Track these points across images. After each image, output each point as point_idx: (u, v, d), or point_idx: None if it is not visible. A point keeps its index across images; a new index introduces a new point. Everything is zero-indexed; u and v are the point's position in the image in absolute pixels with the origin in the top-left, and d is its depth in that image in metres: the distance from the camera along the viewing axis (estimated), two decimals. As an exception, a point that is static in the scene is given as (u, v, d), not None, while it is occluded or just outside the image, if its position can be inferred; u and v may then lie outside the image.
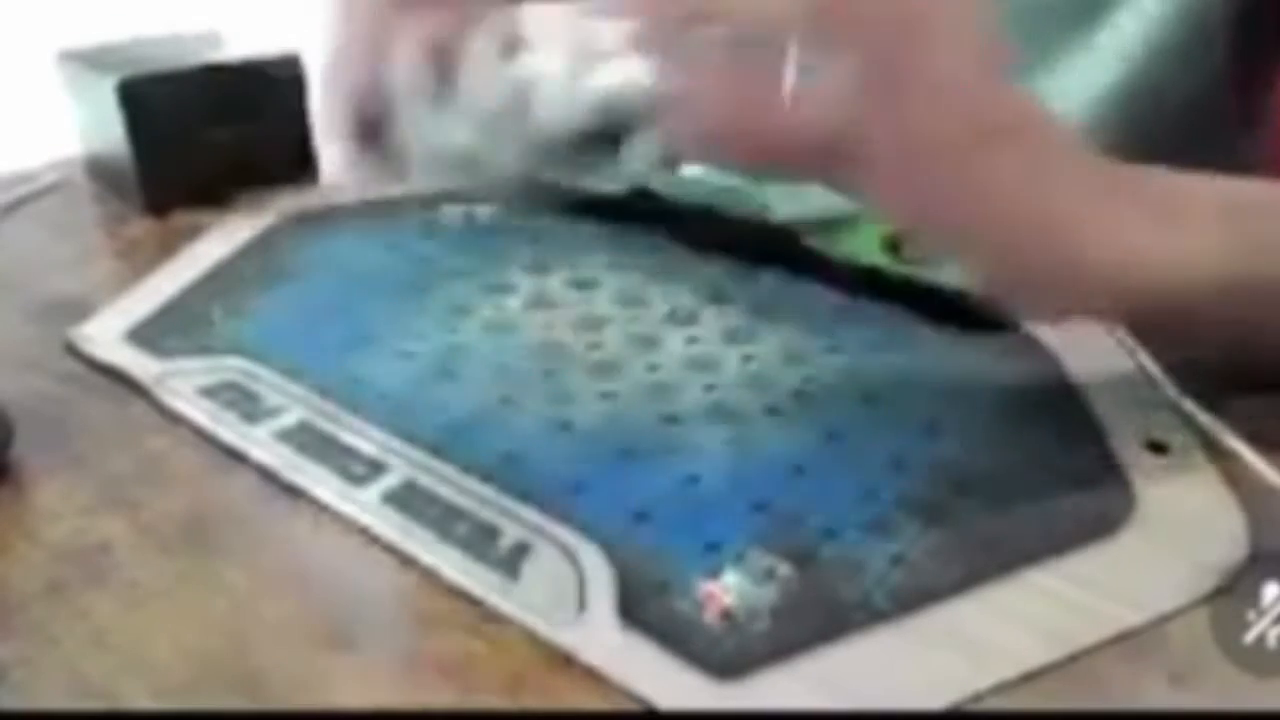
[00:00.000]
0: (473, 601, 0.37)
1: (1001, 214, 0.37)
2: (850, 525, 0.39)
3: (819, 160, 0.38)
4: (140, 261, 0.64)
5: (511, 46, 0.43)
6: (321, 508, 0.42)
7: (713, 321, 0.54)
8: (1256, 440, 0.43)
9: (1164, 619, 0.35)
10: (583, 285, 0.58)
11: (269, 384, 0.50)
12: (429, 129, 0.45)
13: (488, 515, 0.41)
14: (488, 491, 0.42)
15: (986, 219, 0.38)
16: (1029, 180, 0.37)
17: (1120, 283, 0.39)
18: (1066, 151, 0.39)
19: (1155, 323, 0.42)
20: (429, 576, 0.38)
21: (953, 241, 0.40)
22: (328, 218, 0.69)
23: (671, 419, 0.46)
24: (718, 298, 0.56)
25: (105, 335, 0.55)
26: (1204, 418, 0.45)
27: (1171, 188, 0.40)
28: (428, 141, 0.45)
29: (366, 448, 0.45)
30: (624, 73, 0.40)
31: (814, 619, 0.35)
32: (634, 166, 0.42)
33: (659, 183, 0.65)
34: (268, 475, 0.44)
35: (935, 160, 0.37)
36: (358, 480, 0.43)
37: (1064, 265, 0.38)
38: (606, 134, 0.41)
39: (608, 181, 0.45)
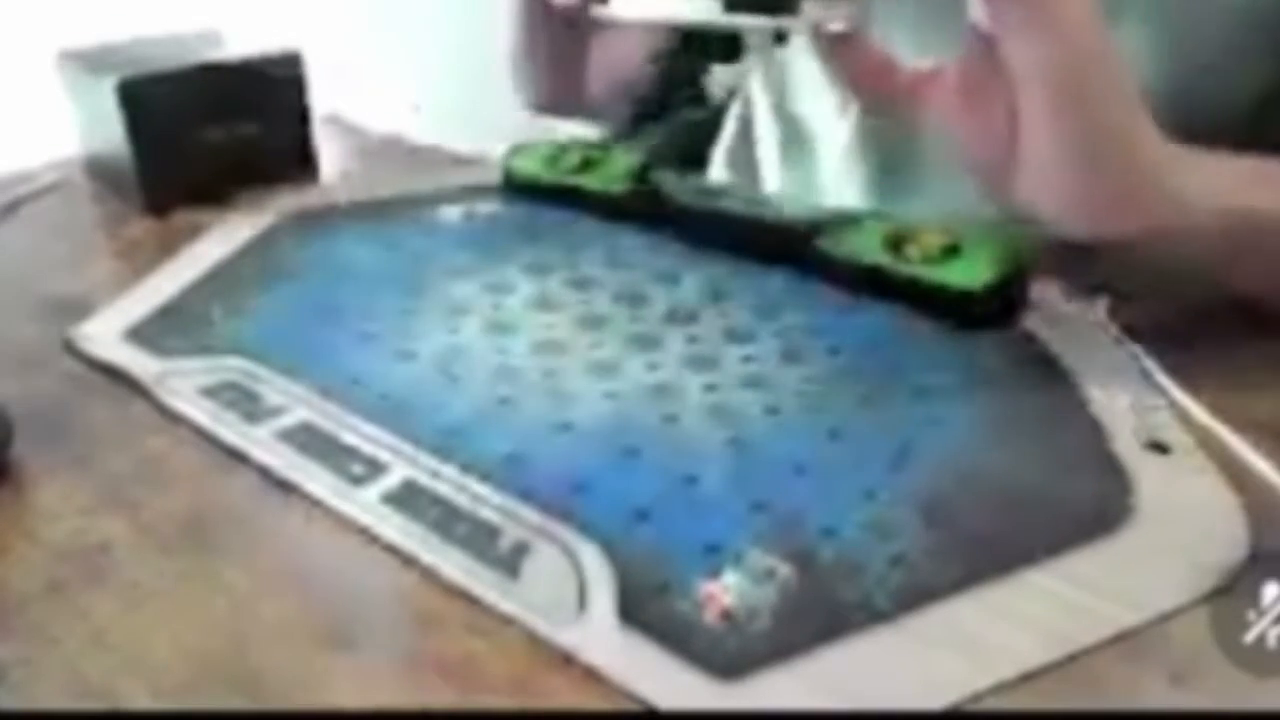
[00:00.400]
0: (473, 601, 0.37)
1: (1119, 142, 0.46)
2: (850, 525, 0.39)
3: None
4: (140, 261, 0.64)
5: None
6: (322, 507, 0.42)
7: (713, 321, 0.54)
8: (1256, 441, 0.43)
9: (1164, 619, 0.35)
10: (582, 284, 0.58)
11: (269, 384, 0.50)
12: None
13: (488, 515, 0.41)
14: (488, 491, 0.42)
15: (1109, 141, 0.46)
16: (1132, 118, 0.46)
17: (1175, 205, 0.47)
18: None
19: (1169, 241, 0.48)
20: (429, 576, 0.38)
21: (1070, 165, 0.47)
22: (327, 217, 0.69)
23: (672, 419, 0.46)
24: (718, 297, 0.56)
25: (105, 335, 0.55)
26: (1204, 418, 0.45)
27: (1191, 150, 0.48)
28: None
29: (367, 448, 0.45)
30: None
31: (814, 619, 0.35)
32: (815, 15, 0.49)
33: (661, 182, 0.66)
34: (268, 475, 0.44)
35: (1070, 85, 0.45)
36: (358, 480, 0.43)
37: (1147, 189, 0.47)
38: None
39: (789, 25, 0.51)
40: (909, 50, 0.53)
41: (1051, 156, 0.47)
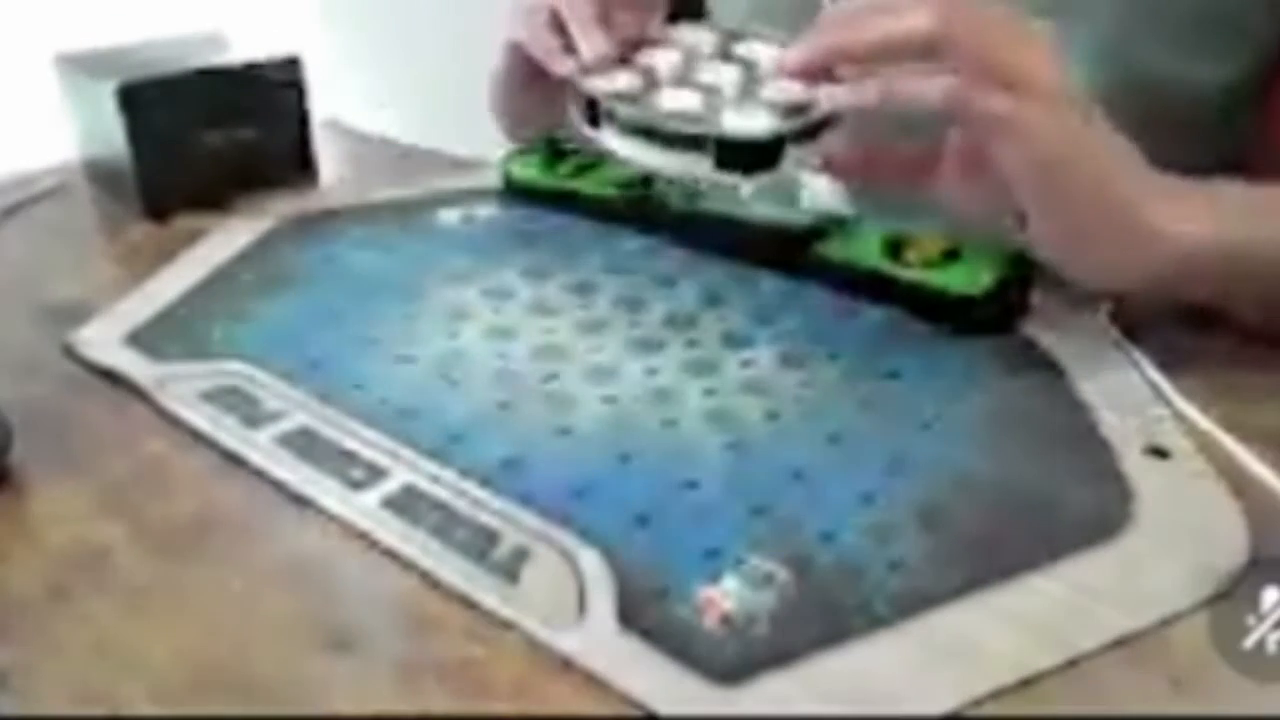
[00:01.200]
0: (472, 606, 0.37)
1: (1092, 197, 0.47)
2: (849, 530, 0.39)
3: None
4: (140, 265, 0.64)
5: (692, 59, 0.56)
6: (321, 512, 0.42)
7: (711, 326, 0.54)
8: (1257, 446, 0.43)
9: (1164, 624, 0.35)
10: (581, 289, 0.58)
11: (269, 388, 0.50)
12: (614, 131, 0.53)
13: (487, 520, 0.41)
14: (487, 496, 0.42)
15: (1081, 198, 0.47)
16: (1120, 186, 0.47)
17: (1163, 251, 0.47)
18: (1126, 146, 0.48)
19: (1168, 283, 0.49)
20: (428, 581, 0.38)
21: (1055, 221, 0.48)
22: (327, 221, 0.69)
23: (671, 423, 0.46)
24: (716, 302, 0.56)
25: (105, 339, 0.55)
26: (1205, 423, 0.45)
27: (1184, 184, 0.48)
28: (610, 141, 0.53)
29: (367, 452, 0.45)
30: (785, 91, 0.50)
31: (813, 624, 0.36)
32: (791, 170, 0.51)
33: (659, 187, 0.65)
34: (268, 480, 0.44)
35: (1037, 147, 0.46)
36: (358, 485, 0.43)
37: (1136, 240, 0.47)
38: (774, 141, 0.49)
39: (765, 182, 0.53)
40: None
41: (1045, 235, 0.49)
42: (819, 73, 0.49)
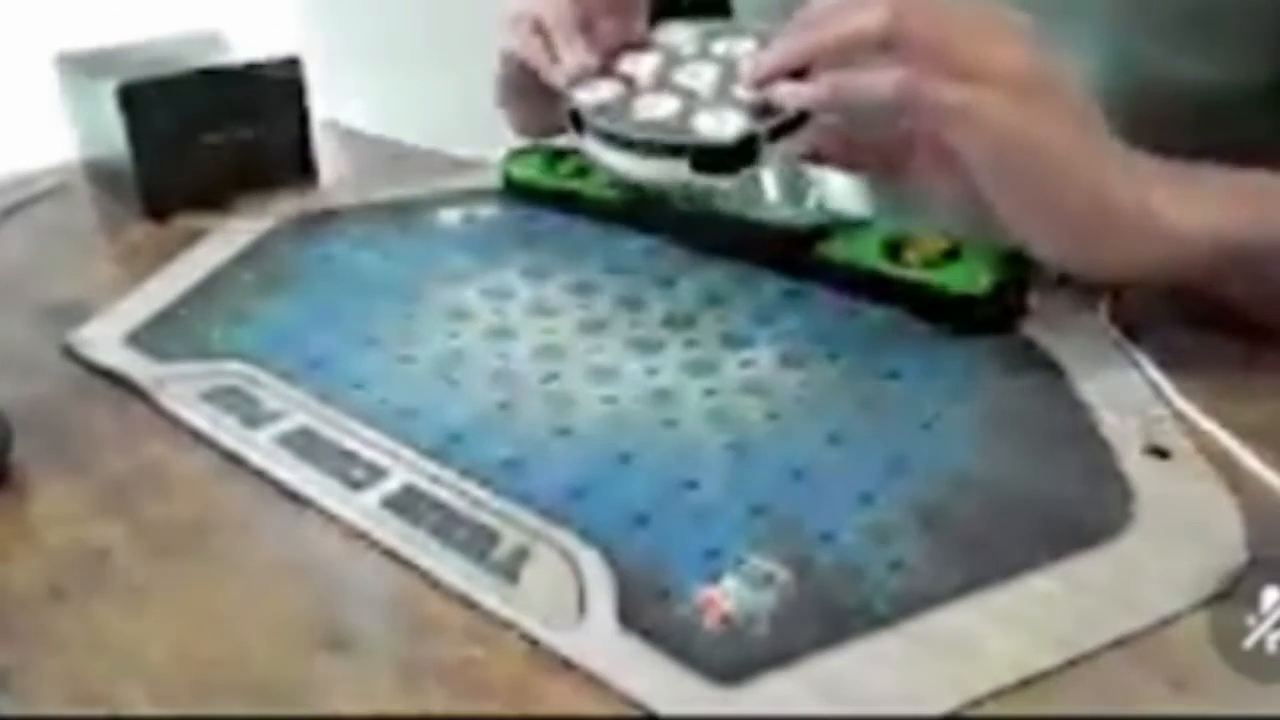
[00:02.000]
0: (472, 606, 0.37)
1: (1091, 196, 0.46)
2: (848, 530, 0.39)
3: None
4: (139, 265, 0.64)
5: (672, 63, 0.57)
6: (321, 512, 0.42)
7: (711, 326, 0.54)
8: (1257, 447, 0.43)
9: (1164, 623, 0.35)
10: (581, 289, 0.58)
11: (269, 388, 0.50)
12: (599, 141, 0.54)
13: (487, 520, 0.41)
14: (487, 496, 0.42)
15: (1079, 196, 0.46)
16: (1097, 169, 0.46)
17: (1158, 238, 0.47)
18: (1113, 140, 0.47)
19: (1161, 270, 0.48)
20: (428, 581, 0.38)
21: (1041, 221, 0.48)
22: (327, 221, 0.69)
23: (671, 423, 0.46)
24: (716, 302, 0.56)
25: (105, 339, 0.55)
26: (1205, 423, 0.45)
27: (1185, 172, 0.48)
28: (594, 149, 0.55)
29: (366, 452, 0.45)
30: (757, 91, 0.51)
31: (813, 624, 0.35)
32: (771, 165, 0.51)
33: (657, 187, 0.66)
34: (267, 480, 0.44)
35: (1010, 143, 0.46)
36: (358, 485, 0.43)
37: (1126, 233, 0.47)
38: (748, 140, 0.51)
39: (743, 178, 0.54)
40: None
41: (1020, 225, 0.49)
42: (792, 76, 0.50)
